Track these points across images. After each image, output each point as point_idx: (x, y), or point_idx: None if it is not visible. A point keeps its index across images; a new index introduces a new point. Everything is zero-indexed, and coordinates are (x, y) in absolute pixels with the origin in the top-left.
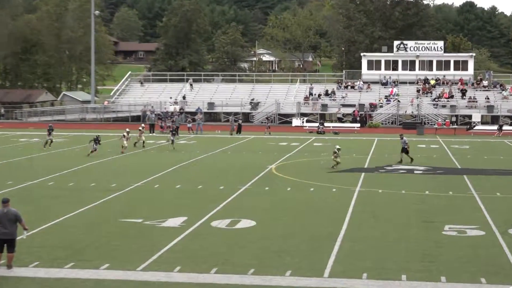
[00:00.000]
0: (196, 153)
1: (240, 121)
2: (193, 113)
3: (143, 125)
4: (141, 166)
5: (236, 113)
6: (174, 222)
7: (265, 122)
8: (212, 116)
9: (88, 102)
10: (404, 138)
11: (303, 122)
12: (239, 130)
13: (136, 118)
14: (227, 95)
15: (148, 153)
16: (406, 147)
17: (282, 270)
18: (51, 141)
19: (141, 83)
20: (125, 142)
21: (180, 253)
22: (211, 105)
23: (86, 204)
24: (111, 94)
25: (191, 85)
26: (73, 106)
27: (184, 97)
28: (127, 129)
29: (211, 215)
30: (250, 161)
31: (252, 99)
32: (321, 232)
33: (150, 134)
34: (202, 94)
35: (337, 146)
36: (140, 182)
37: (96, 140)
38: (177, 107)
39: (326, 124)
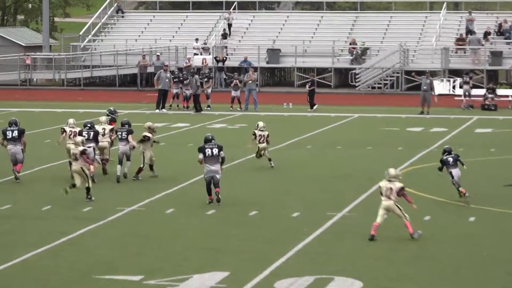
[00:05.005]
0: (247, 148)
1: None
2: (239, 71)
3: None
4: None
5: (320, 69)
6: (203, 280)
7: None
8: (276, 76)
9: (37, 48)
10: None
11: (454, 86)
12: (311, 100)
13: (130, 80)
14: (306, 34)
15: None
16: None
17: None
18: None
19: (120, 12)
20: None
21: None
22: (274, 54)
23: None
24: (80, 33)
25: (226, 18)
26: (8, 56)
27: (224, 36)
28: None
29: (276, 267)
30: (349, 163)
31: (353, 44)
32: None
33: (157, 111)
34: (255, 32)
35: (260, 123)
36: (136, 205)
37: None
38: (209, 59)
39: (499, 92)
